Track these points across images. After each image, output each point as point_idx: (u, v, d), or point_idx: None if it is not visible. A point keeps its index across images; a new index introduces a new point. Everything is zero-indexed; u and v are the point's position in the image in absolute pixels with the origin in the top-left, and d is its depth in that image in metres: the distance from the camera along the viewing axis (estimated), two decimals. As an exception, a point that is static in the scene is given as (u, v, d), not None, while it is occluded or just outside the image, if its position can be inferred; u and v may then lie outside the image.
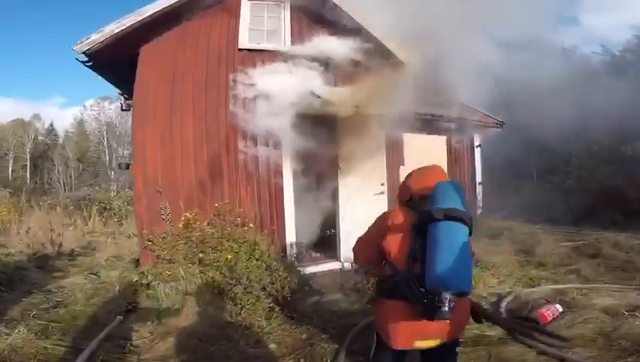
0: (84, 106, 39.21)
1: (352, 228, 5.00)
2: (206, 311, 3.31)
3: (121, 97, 6.05)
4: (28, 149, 35.24)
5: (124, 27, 4.33)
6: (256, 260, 3.60)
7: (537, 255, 5.30)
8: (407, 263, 1.69)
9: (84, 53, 4.32)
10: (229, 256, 3.54)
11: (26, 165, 34.82)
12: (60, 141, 38.58)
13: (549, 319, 3.16)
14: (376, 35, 5.25)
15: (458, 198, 1.73)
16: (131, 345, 2.91)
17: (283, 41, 5.29)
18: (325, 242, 5.81)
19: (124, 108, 6.01)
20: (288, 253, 4.77)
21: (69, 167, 35.06)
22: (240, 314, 3.34)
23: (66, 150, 36.00)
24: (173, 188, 4.55)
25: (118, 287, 4.07)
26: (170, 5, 4.53)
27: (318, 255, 5.57)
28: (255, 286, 3.29)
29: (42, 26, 51.82)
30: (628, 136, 10.24)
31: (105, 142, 36.50)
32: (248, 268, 3.40)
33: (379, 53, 5.22)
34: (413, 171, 2.08)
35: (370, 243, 1.96)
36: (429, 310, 1.58)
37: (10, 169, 33.95)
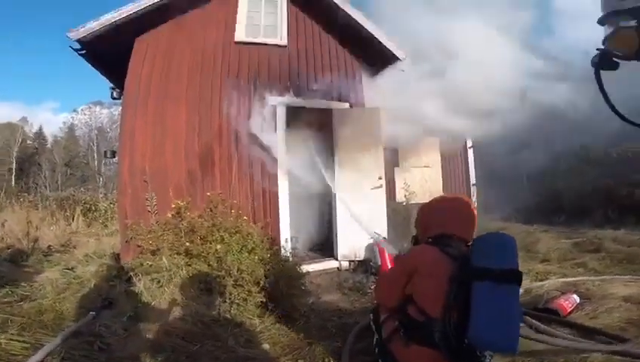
0: (75, 110, 38.57)
1: (349, 224, 4.76)
2: (190, 307, 2.94)
3: (112, 90, 5.87)
4: (14, 153, 34.36)
5: (122, 16, 4.28)
6: (249, 253, 3.25)
7: (539, 251, 5.21)
8: (443, 312, 1.60)
9: (78, 40, 4.23)
10: (219, 247, 3.19)
11: (12, 168, 33.85)
12: (49, 145, 37.76)
13: (569, 310, 2.98)
14: (373, 32, 5.29)
15: (515, 256, 1.61)
16: (101, 342, 2.54)
17: (279, 36, 5.28)
18: (322, 239, 5.50)
19: (114, 96, 5.75)
20: (282, 247, 4.46)
21: (55, 171, 34.22)
22: (229, 310, 2.99)
23: (53, 155, 35.21)
24: (162, 179, 4.34)
25: (93, 282, 3.70)
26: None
27: (315, 253, 5.30)
28: (247, 278, 2.94)
29: (38, 32, 51.40)
30: (614, 138, 10.37)
31: (95, 148, 35.83)
32: (239, 259, 3.05)
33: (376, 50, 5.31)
34: (438, 204, 1.97)
35: (394, 282, 1.82)
36: None
37: (-4, 172, 32.95)
